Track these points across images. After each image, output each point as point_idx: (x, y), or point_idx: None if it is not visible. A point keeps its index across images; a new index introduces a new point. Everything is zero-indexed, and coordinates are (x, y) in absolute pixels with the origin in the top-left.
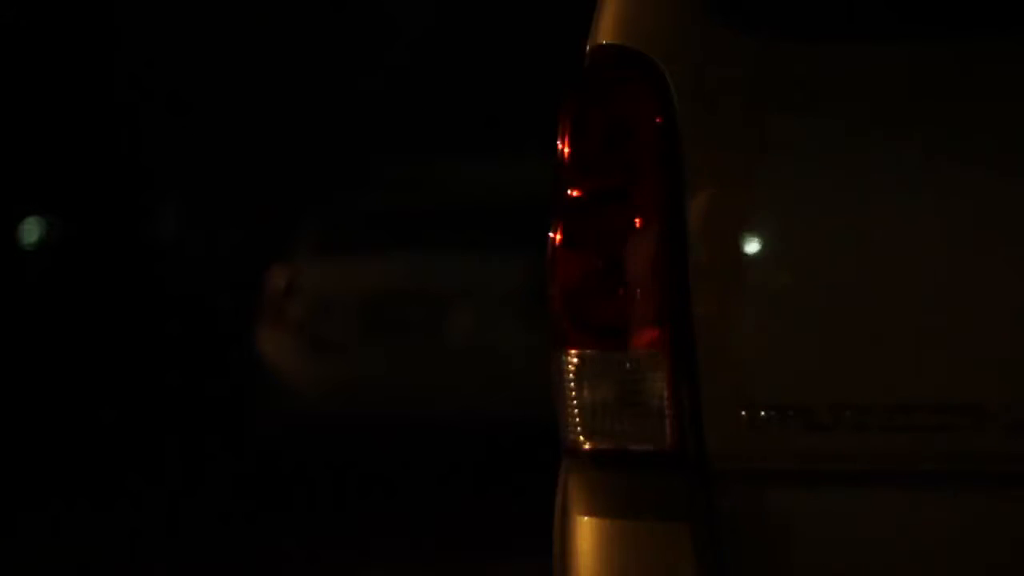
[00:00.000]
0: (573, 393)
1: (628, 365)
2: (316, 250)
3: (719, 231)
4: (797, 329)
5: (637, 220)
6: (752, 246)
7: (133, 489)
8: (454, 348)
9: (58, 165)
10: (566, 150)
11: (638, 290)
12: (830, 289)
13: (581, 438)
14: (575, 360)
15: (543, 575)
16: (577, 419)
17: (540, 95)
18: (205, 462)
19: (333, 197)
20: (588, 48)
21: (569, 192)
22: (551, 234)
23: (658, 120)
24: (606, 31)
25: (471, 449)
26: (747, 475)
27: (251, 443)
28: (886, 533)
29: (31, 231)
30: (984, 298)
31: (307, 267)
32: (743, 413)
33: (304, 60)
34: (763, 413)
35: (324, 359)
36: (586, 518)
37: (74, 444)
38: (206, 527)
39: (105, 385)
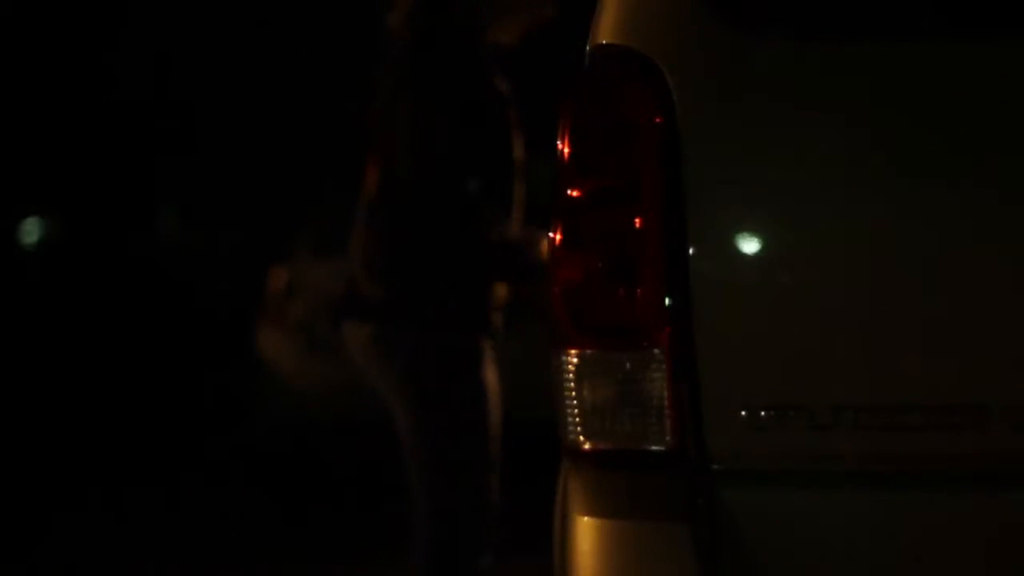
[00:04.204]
0: (573, 393)
1: (628, 365)
2: (316, 250)
3: (719, 231)
4: (797, 329)
5: (637, 220)
6: (752, 246)
7: (132, 489)
8: None
9: (58, 165)
10: (566, 150)
11: (638, 290)
12: (830, 289)
13: (581, 438)
14: (575, 360)
15: (543, 575)
16: (577, 419)
17: (540, 95)
18: (203, 462)
19: (333, 197)
20: (588, 48)
21: (569, 192)
22: (551, 234)
23: (658, 120)
24: (606, 31)
25: None
26: (747, 475)
27: (250, 443)
28: (886, 533)
29: (31, 231)
30: (985, 298)
31: (307, 267)
32: (743, 413)
33: (305, 60)
34: (763, 413)
35: (324, 359)
36: (586, 518)
37: (73, 444)
38: (204, 526)
39: (104, 385)
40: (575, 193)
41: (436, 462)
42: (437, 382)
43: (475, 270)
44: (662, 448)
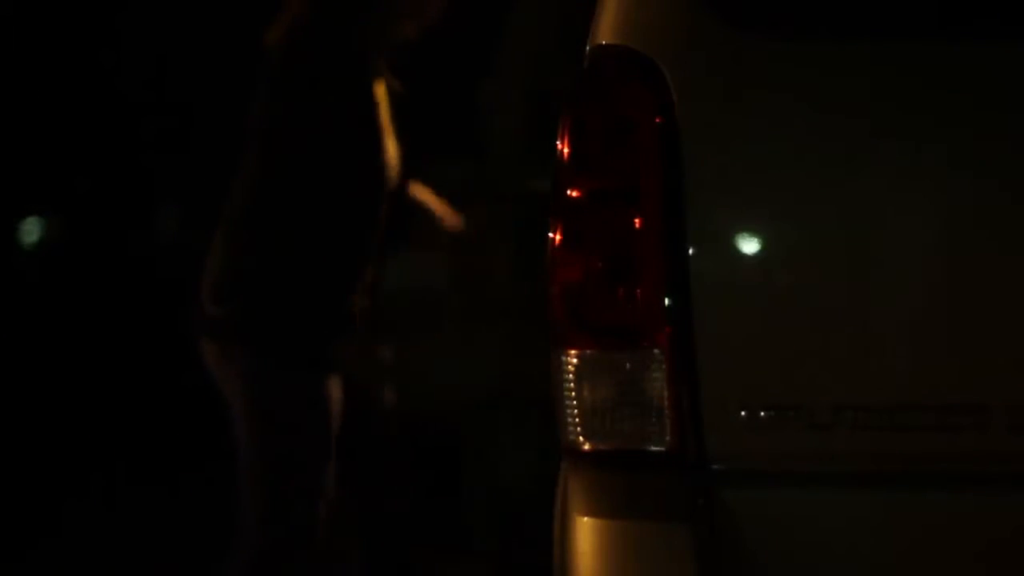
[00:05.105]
0: (573, 393)
1: (628, 365)
2: None
3: (719, 231)
4: (797, 329)
5: (637, 220)
6: (752, 246)
7: (132, 489)
8: (452, 346)
9: (57, 165)
10: (566, 150)
11: (638, 290)
12: (830, 289)
13: (581, 438)
14: (575, 360)
15: (543, 575)
16: (577, 419)
17: (540, 95)
18: (204, 462)
19: None
20: (588, 48)
21: (569, 192)
22: (551, 234)
23: (658, 120)
24: (606, 31)
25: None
26: (747, 475)
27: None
28: (886, 533)
29: (31, 231)
30: (985, 298)
31: None
32: (743, 413)
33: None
34: (763, 413)
35: None
36: (586, 518)
37: (72, 443)
38: (204, 526)
39: (104, 384)
40: (575, 193)
41: (266, 481)
42: (272, 408)
43: (319, 297)
44: (662, 448)
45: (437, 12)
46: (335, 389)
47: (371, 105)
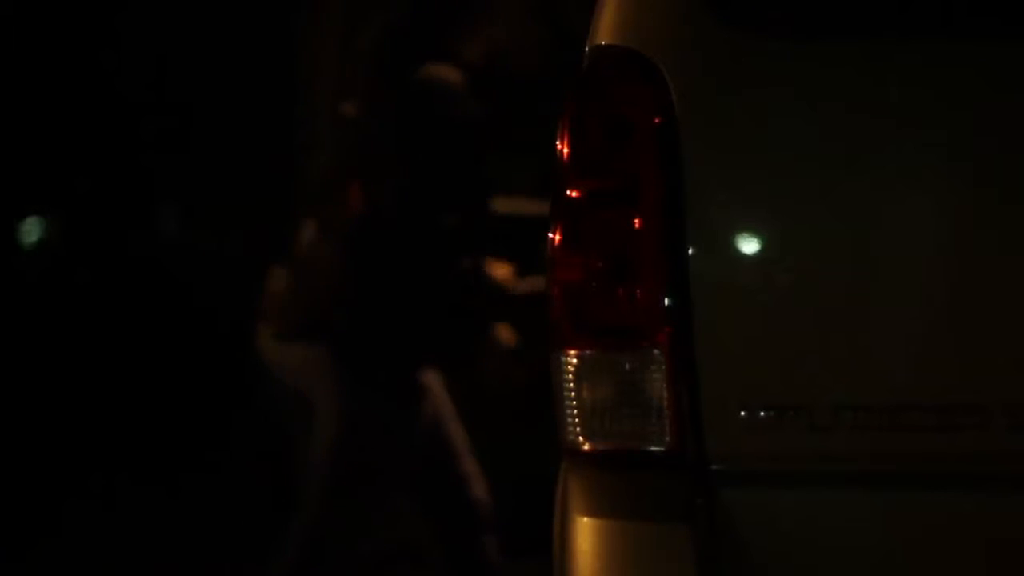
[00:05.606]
0: (573, 393)
1: (628, 365)
2: None
3: (718, 231)
4: (797, 329)
5: (637, 220)
6: (752, 246)
7: (132, 489)
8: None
9: (57, 164)
10: (566, 150)
11: (638, 290)
12: (830, 289)
13: (581, 438)
14: (575, 360)
15: (543, 575)
16: (577, 419)
17: (540, 95)
18: (204, 462)
19: None
20: (588, 48)
21: (569, 192)
22: (551, 234)
23: (658, 120)
24: (606, 31)
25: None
26: (747, 475)
27: (250, 444)
28: (886, 533)
29: (31, 231)
30: (985, 298)
31: None
32: (743, 413)
33: (304, 59)
34: (763, 413)
35: None
36: (586, 518)
37: (72, 443)
38: (204, 526)
39: (104, 384)
40: (574, 194)
41: (338, 483)
42: (356, 423)
43: (443, 309)
44: (661, 448)
45: (501, 40)
46: (419, 416)
47: (469, 121)
